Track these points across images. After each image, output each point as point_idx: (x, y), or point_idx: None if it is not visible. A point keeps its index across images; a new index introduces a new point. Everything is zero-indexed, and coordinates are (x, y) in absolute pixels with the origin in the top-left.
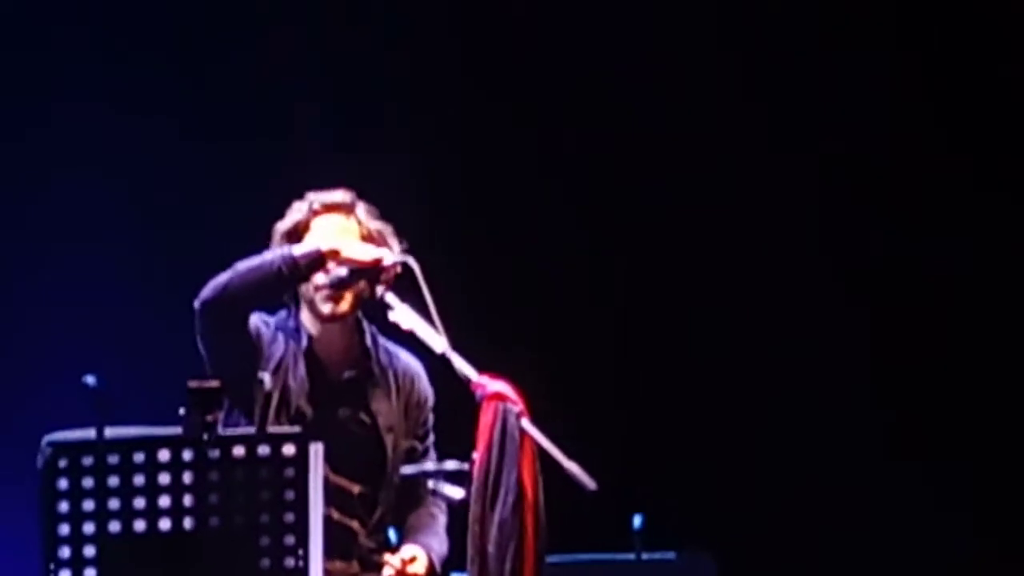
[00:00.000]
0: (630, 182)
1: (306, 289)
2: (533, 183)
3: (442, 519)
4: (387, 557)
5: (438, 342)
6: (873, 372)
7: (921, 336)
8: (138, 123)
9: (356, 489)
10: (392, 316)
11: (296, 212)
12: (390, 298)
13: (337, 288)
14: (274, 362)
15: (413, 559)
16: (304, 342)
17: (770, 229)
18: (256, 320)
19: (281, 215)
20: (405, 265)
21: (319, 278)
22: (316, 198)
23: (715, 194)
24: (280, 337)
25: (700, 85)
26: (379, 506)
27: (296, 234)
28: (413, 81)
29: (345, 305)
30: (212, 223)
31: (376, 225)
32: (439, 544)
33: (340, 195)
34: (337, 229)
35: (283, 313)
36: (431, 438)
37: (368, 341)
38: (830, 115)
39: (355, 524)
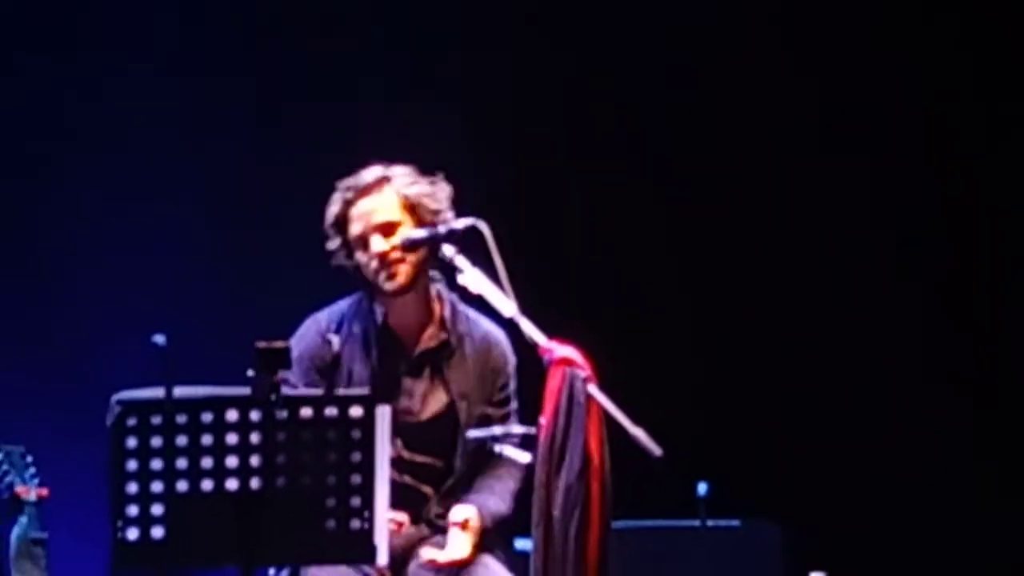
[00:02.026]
0: (699, 146)
1: (366, 272)
2: (602, 145)
3: (509, 482)
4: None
5: (507, 306)
6: (939, 344)
7: (984, 312)
8: (204, 85)
9: (430, 462)
10: (461, 279)
11: (334, 204)
12: (460, 261)
13: (408, 250)
14: (347, 366)
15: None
16: (380, 319)
17: (833, 206)
18: (318, 344)
19: (341, 172)
20: (475, 228)
21: (373, 263)
22: (347, 185)
23: (789, 164)
24: (350, 331)
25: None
26: (452, 474)
27: (340, 226)
28: (481, 47)
29: (402, 277)
30: (276, 181)
31: (415, 190)
32: (495, 502)
33: (370, 174)
34: (374, 212)
35: (356, 296)
36: (512, 406)
37: (447, 311)
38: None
39: (428, 489)
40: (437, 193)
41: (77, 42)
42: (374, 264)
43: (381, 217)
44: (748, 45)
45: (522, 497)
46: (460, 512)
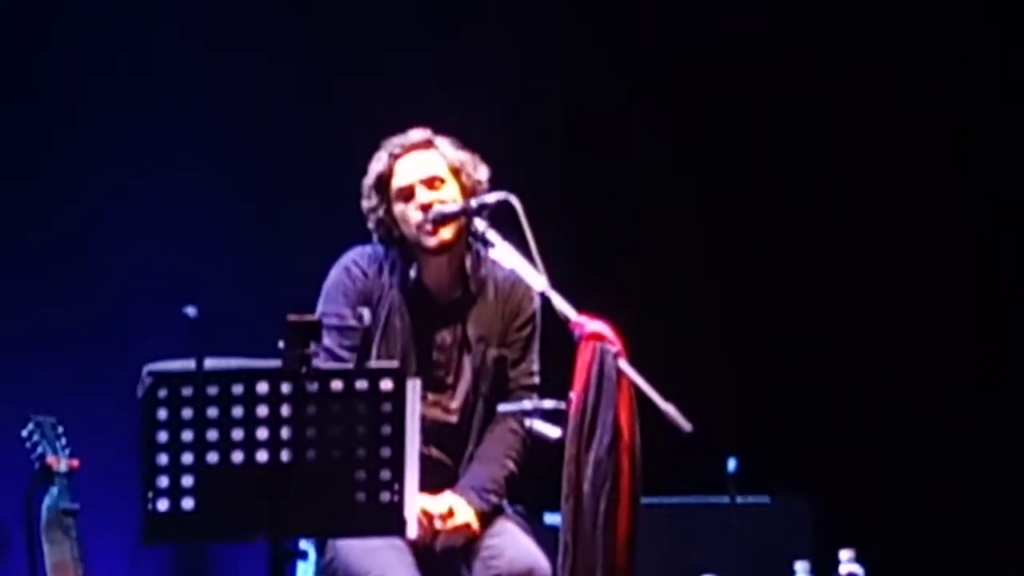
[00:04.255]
0: (732, 124)
1: (409, 232)
2: (636, 121)
3: (499, 444)
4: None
5: (538, 281)
6: (973, 319)
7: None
8: (235, 54)
9: (452, 419)
10: (493, 254)
11: (377, 163)
12: (491, 236)
13: (439, 223)
14: (384, 316)
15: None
16: (413, 273)
17: (862, 183)
18: (365, 279)
19: (376, 147)
20: (507, 203)
21: (416, 215)
22: (392, 143)
23: (819, 138)
24: (390, 281)
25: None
26: (471, 440)
27: (381, 184)
28: (516, 22)
29: (448, 233)
30: (309, 154)
31: (459, 155)
32: (488, 473)
33: (417, 134)
34: (421, 166)
35: (393, 252)
36: (530, 348)
37: (468, 260)
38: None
39: (450, 460)
40: (478, 164)
41: (105, 15)
42: (418, 217)
43: (429, 171)
44: (778, 33)
45: (552, 471)
46: (444, 504)
